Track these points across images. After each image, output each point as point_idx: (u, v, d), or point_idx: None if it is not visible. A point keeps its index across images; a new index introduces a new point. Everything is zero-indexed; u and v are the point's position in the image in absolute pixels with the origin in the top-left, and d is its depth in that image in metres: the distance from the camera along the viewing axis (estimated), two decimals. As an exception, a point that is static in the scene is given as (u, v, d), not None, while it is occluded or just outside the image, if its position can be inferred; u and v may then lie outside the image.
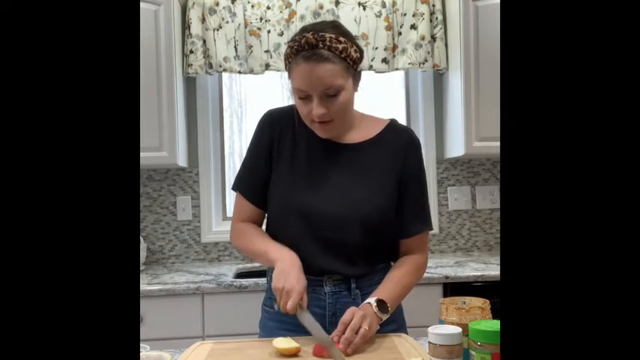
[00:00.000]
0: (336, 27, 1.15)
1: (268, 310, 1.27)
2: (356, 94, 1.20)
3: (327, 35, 1.10)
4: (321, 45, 1.09)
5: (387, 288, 1.17)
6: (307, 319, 1.06)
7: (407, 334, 1.22)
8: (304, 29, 1.14)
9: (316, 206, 1.18)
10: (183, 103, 2.45)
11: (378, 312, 1.09)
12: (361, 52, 1.17)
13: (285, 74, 2.61)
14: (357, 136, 1.24)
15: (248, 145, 1.28)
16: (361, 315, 1.06)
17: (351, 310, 1.09)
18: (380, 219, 1.19)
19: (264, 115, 1.28)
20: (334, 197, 1.18)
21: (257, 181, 1.24)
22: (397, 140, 1.24)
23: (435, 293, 2.03)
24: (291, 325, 1.20)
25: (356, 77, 1.18)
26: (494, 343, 0.86)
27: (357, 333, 1.04)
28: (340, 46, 1.10)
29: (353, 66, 1.14)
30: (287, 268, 1.10)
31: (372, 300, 1.11)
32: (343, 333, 1.04)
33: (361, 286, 1.21)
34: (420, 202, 1.25)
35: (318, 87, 1.10)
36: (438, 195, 2.62)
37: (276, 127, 1.24)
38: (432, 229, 1.28)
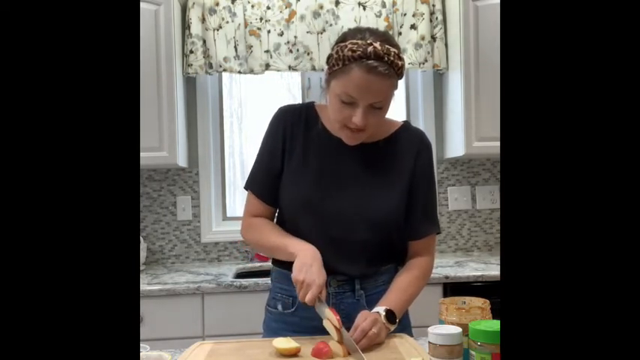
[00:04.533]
0: (388, 39, 1.11)
1: (272, 311, 1.27)
2: None
3: (392, 50, 1.07)
4: (386, 58, 1.06)
5: (395, 296, 1.17)
6: (326, 312, 1.07)
7: (412, 334, 1.22)
8: (362, 33, 1.10)
9: (325, 204, 1.17)
10: (183, 103, 2.45)
11: (386, 322, 1.09)
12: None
13: (285, 74, 2.62)
14: (370, 135, 1.22)
15: (261, 142, 1.27)
16: (373, 319, 1.07)
17: (364, 313, 1.10)
18: (388, 219, 1.19)
19: (277, 111, 1.26)
20: (343, 196, 1.18)
21: (270, 179, 1.23)
22: (409, 142, 1.24)
23: (435, 293, 2.03)
24: (295, 326, 1.20)
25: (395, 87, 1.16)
26: (494, 343, 0.86)
27: (365, 335, 1.05)
28: (400, 63, 1.09)
29: (402, 76, 1.14)
30: (309, 261, 1.10)
31: (380, 310, 1.11)
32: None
33: (366, 287, 1.21)
34: (429, 205, 1.25)
35: (371, 99, 1.08)
36: (438, 195, 2.62)
37: (289, 124, 1.23)
38: (439, 231, 1.28)
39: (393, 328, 1.11)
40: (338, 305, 1.19)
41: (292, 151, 1.22)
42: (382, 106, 1.11)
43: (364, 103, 1.08)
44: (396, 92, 1.16)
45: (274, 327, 1.24)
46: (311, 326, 1.16)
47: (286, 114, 1.24)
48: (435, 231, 1.26)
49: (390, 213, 1.19)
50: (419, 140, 1.25)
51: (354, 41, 1.07)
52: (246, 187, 1.28)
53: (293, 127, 1.22)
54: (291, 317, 1.22)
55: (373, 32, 1.11)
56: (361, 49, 1.05)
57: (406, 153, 1.23)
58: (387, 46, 1.06)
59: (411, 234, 1.24)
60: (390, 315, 1.11)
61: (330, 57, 1.12)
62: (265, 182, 1.24)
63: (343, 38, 1.11)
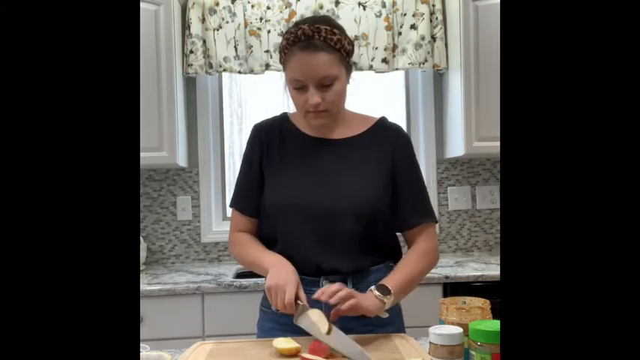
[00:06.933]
0: (327, 21, 1.18)
1: (265, 311, 1.27)
2: (348, 87, 1.23)
3: (322, 27, 1.14)
4: (316, 36, 1.13)
5: (391, 276, 1.18)
6: (312, 315, 1.06)
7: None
8: (297, 24, 1.18)
9: (308, 201, 1.19)
10: (183, 103, 2.45)
11: (378, 295, 1.10)
12: (352, 44, 1.21)
13: (285, 74, 2.63)
14: (346, 131, 1.26)
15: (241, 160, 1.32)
16: (350, 289, 1.09)
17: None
18: (372, 208, 1.20)
19: (252, 128, 1.32)
20: (325, 191, 1.20)
21: (251, 194, 1.27)
22: (385, 136, 1.26)
23: (435, 293, 2.03)
24: (288, 326, 1.20)
25: (348, 69, 1.21)
26: (494, 343, 0.86)
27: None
28: (335, 37, 1.14)
29: (346, 58, 1.18)
30: (278, 269, 1.13)
31: (372, 287, 1.13)
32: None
33: (357, 287, 1.21)
34: (416, 194, 1.26)
35: (314, 76, 1.14)
36: (438, 195, 2.62)
37: (264, 138, 1.27)
38: (435, 220, 1.28)
39: (388, 300, 1.11)
40: (330, 306, 1.19)
41: (270, 161, 1.25)
42: (331, 82, 1.15)
43: (312, 82, 1.14)
44: (355, 76, 1.23)
45: (268, 326, 1.25)
46: None
47: (260, 129, 1.30)
48: (426, 221, 1.26)
49: (372, 201, 1.20)
50: (395, 134, 1.27)
51: (289, 31, 1.16)
52: (231, 206, 1.32)
53: (269, 139, 1.27)
54: (284, 317, 1.22)
55: (308, 19, 1.19)
56: (293, 35, 1.14)
57: (383, 146, 1.25)
58: (317, 25, 1.14)
59: (403, 225, 1.26)
60: (381, 287, 1.12)
61: (279, 55, 1.21)
62: (246, 196, 1.29)
63: (285, 33, 1.20)
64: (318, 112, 1.17)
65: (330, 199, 1.18)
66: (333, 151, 1.24)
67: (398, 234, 1.29)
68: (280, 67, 2.52)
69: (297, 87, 1.16)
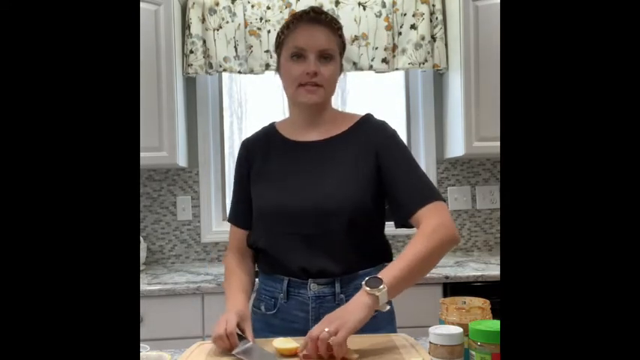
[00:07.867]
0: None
1: (256, 312, 1.27)
2: (338, 84, 1.27)
3: (328, 12, 1.23)
4: (323, 16, 1.21)
5: (388, 266, 1.09)
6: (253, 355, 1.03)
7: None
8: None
9: (291, 204, 1.19)
10: (183, 103, 2.45)
11: (368, 289, 1.01)
12: (345, 45, 1.28)
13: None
14: (329, 131, 1.26)
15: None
16: (326, 322, 1.00)
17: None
18: (356, 205, 1.17)
19: (240, 144, 1.35)
20: (307, 192, 1.19)
21: (243, 207, 1.31)
22: (368, 132, 1.24)
23: (435, 293, 2.03)
24: (275, 328, 1.20)
25: (341, 63, 1.26)
26: (494, 343, 0.86)
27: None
28: (339, 24, 1.24)
29: (342, 49, 1.25)
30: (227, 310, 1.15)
31: (363, 281, 1.04)
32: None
33: (346, 290, 1.19)
34: (409, 182, 1.18)
35: (317, 46, 1.18)
36: (438, 195, 2.61)
37: (251, 151, 1.31)
38: (438, 199, 1.17)
39: (380, 292, 1.01)
40: (317, 310, 1.19)
41: (257, 171, 1.28)
42: (330, 57, 1.20)
43: (313, 52, 1.18)
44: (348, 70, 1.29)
45: (257, 327, 1.24)
46: (292, 328, 1.16)
47: (247, 144, 1.34)
48: (426, 202, 1.15)
49: (355, 199, 1.17)
50: (378, 129, 1.25)
51: (296, 12, 1.24)
52: (228, 220, 1.36)
53: (255, 152, 1.30)
54: (273, 319, 1.22)
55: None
56: (301, 11, 1.22)
57: (365, 141, 1.22)
58: (323, 9, 1.23)
59: (405, 214, 1.18)
60: (371, 279, 1.03)
61: (277, 39, 1.26)
62: (238, 210, 1.32)
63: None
64: (312, 85, 1.18)
65: (313, 201, 1.18)
66: (317, 151, 1.23)
67: (395, 234, 1.28)
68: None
69: (297, 55, 1.19)
